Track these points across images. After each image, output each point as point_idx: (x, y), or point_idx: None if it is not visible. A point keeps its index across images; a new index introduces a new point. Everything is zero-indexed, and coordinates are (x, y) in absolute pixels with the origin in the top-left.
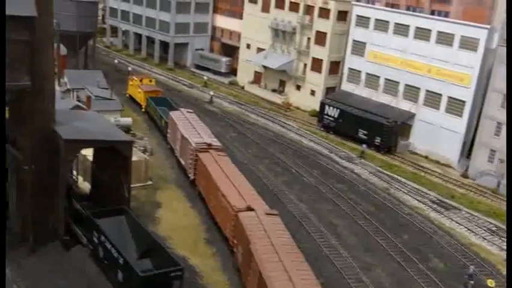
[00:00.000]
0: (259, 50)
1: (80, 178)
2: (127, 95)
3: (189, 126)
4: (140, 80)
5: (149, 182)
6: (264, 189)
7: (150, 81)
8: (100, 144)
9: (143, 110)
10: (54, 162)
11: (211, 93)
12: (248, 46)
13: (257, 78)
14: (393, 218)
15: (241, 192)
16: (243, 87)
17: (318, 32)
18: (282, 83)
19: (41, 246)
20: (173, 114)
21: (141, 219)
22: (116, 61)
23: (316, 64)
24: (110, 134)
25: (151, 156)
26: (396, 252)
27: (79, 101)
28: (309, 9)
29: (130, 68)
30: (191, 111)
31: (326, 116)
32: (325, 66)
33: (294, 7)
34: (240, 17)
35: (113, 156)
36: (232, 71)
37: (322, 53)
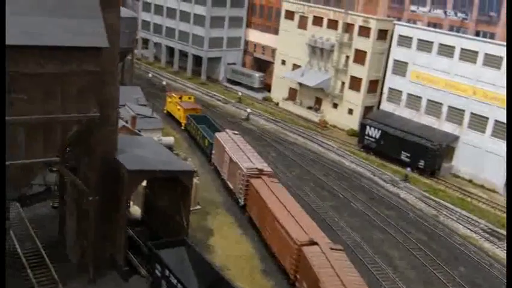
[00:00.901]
0: (295, 66)
1: (130, 202)
2: (165, 111)
3: (237, 150)
4: (180, 97)
5: (198, 207)
6: (313, 215)
7: (189, 98)
8: (162, 174)
9: (182, 127)
10: (115, 191)
11: (248, 110)
12: (283, 62)
13: (292, 95)
14: (447, 249)
15: (300, 223)
16: (277, 104)
17: (357, 51)
18: (318, 101)
19: (99, 277)
20: (219, 135)
21: (196, 248)
22: (150, 75)
23: (355, 82)
24: (172, 163)
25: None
26: (456, 287)
27: (121, 118)
28: (348, 27)
29: (164, 83)
30: (236, 132)
31: (366, 137)
32: (364, 85)
33: (332, 25)
34: (274, 32)
35: (170, 183)
36: (265, 87)
37: (361, 71)
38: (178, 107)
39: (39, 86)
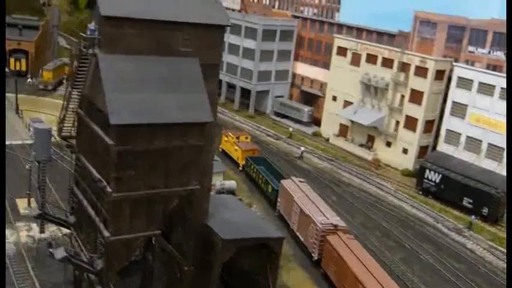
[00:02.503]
0: (346, 102)
1: None
2: (220, 149)
3: (307, 201)
4: (237, 137)
5: None
6: (384, 268)
7: (246, 138)
8: (253, 242)
9: (239, 168)
10: (206, 259)
11: (302, 148)
12: (334, 98)
13: (343, 131)
14: None
15: (383, 285)
16: (327, 140)
17: (413, 90)
18: (371, 138)
19: None
20: (286, 183)
21: None
22: None
23: (410, 122)
24: (261, 229)
25: None
26: None
27: None
28: (404, 67)
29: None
30: (302, 180)
31: (426, 180)
32: (420, 125)
33: (387, 63)
34: (323, 65)
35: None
36: (314, 121)
37: (417, 111)
38: (236, 148)
39: (145, 162)
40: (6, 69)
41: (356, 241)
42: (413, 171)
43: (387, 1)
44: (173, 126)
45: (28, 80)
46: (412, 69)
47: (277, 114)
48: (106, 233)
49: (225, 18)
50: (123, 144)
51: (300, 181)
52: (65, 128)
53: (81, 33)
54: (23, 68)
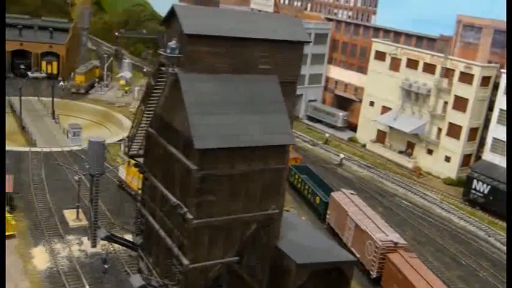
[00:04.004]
0: (384, 108)
1: None
2: None
3: (363, 216)
4: None
5: None
6: None
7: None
8: (327, 266)
9: None
10: (278, 283)
11: (342, 155)
12: (371, 103)
13: (381, 138)
14: None
15: None
16: (364, 146)
17: (457, 97)
18: (410, 145)
19: None
20: (337, 196)
21: None
22: None
23: (454, 130)
24: (333, 252)
25: None
26: None
27: None
28: (447, 72)
29: None
30: (353, 192)
31: (473, 191)
32: (464, 133)
33: (429, 68)
34: (358, 69)
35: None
36: (348, 126)
37: (461, 119)
38: None
39: (226, 187)
40: (40, 73)
41: (419, 260)
42: (456, 180)
43: (427, 5)
44: (255, 149)
45: (60, 83)
46: (456, 75)
47: (310, 119)
48: (185, 261)
49: (303, 34)
50: (206, 168)
51: (351, 193)
52: (133, 147)
53: (161, 51)
54: (54, 71)
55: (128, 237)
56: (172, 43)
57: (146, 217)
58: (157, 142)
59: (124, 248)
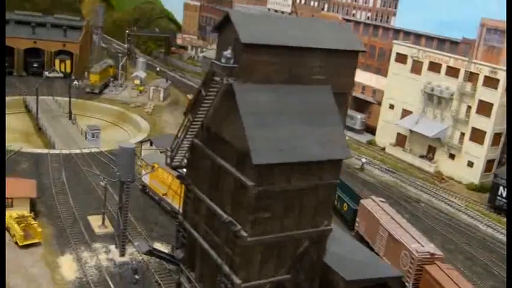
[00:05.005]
0: (405, 111)
1: None
2: None
3: (396, 225)
4: None
5: None
6: None
7: None
8: (374, 282)
9: None
10: None
11: (363, 160)
12: (391, 106)
13: (401, 141)
14: None
15: None
16: (383, 149)
17: (481, 101)
18: (431, 149)
19: None
20: (367, 203)
21: None
22: None
23: (477, 134)
24: (378, 266)
25: None
26: None
27: None
28: (471, 76)
29: None
30: (383, 200)
31: (499, 197)
32: (488, 138)
33: (452, 72)
34: (376, 71)
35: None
36: (367, 128)
37: (485, 123)
38: None
39: (280, 203)
40: (57, 72)
41: (457, 272)
42: (479, 185)
43: (448, 8)
44: (311, 163)
45: (74, 82)
46: (481, 80)
47: None
48: (237, 280)
49: (358, 43)
50: (263, 184)
51: (381, 201)
52: (177, 158)
53: (215, 61)
54: (68, 70)
55: (157, 245)
56: (228, 52)
57: (189, 231)
58: (204, 153)
59: (154, 257)
